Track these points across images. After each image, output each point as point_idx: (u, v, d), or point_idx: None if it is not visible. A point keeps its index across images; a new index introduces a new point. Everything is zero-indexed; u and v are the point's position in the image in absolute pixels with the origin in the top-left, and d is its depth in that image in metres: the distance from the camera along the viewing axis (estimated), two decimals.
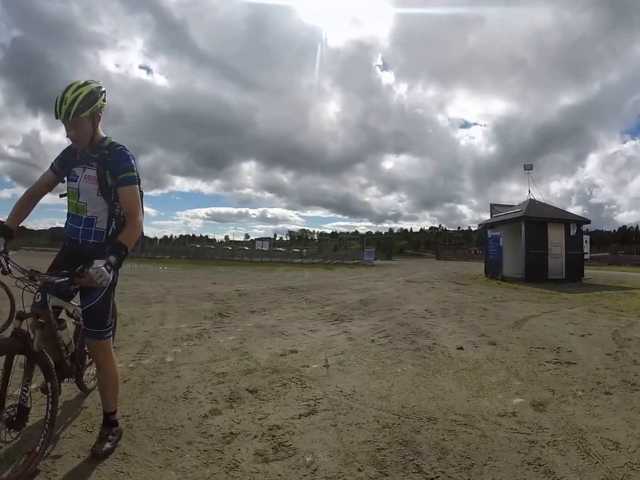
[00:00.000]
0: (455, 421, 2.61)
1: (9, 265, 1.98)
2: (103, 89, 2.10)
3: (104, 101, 2.10)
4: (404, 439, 2.36)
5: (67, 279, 1.89)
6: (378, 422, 2.58)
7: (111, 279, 1.89)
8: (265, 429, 2.47)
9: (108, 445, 2.13)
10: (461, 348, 4.47)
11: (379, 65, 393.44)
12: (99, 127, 2.13)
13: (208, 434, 2.38)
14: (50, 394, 2.01)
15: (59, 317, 2.24)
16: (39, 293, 2.00)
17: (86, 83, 2.04)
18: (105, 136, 2.18)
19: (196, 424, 2.50)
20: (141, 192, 2.25)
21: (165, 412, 2.65)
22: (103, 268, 1.81)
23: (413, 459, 2.13)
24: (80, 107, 1.97)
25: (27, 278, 1.94)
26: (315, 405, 2.83)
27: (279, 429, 2.47)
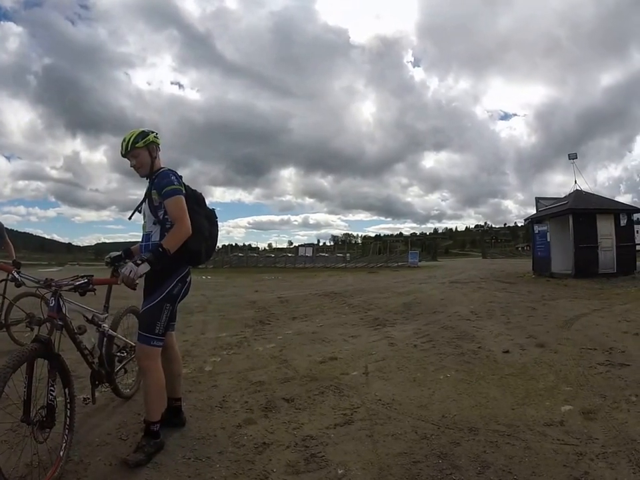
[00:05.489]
0: (498, 432, 2.43)
1: (21, 278, 2.27)
2: (154, 132, 2.45)
3: (156, 137, 2.43)
4: (442, 451, 2.21)
5: (86, 280, 2.11)
6: (416, 432, 2.45)
7: (140, 272, 2.03)
8: (298, 439, 2.41)
9: (141, 456, 2.14)
10: (507, 351, 4.24)
11: (410, 62, 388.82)
12: (156, 158, 2.44)
13: (240, 444, 2.36)
14: (68, 400, 2.10)
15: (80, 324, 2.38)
16: (52, 298, 2.12)
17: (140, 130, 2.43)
18: (162, 167, 2.46)
19: (229, 433, 2.48)
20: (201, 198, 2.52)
21: (199, 421, 2.66)
22: (132, 264, 2.04)
23: (451, 474, 1.99)
24: (134, 140, 2.34)
25: (43, 286, 2.15)
26: (352, 415, 2.74)
27: (313, 439, 2.40)
